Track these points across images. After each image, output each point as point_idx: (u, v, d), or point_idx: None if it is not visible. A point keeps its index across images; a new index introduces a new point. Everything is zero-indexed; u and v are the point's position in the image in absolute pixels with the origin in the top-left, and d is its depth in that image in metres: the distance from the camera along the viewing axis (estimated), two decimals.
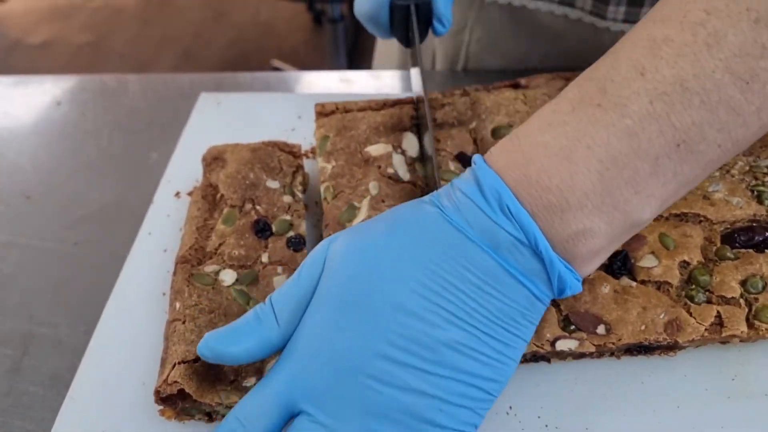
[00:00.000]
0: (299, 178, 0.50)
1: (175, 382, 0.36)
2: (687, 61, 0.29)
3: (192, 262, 0.43)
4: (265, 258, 0.43)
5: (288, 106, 0.62)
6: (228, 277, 0.42)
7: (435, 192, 0.34)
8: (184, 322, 0.39)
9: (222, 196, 0.47)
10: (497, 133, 0.49)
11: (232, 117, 0.61)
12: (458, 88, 0.52)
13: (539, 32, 0.67)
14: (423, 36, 0.52)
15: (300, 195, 0.48)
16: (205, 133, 0.59)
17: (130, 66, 2.37)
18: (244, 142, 0.51)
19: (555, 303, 0.40)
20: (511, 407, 0.39)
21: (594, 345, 0.39)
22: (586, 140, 0.30)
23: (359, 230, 0.34)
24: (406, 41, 0.54)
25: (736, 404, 0.39)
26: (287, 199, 0.47)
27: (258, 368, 0.38)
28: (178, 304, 0.40)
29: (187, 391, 0.36)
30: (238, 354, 0.34)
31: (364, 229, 0.34)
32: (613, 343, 0.39)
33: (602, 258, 0.33)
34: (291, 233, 0.45)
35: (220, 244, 0.44)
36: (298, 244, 0.45)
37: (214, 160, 0.50)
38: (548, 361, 0.41)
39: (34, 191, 0.58)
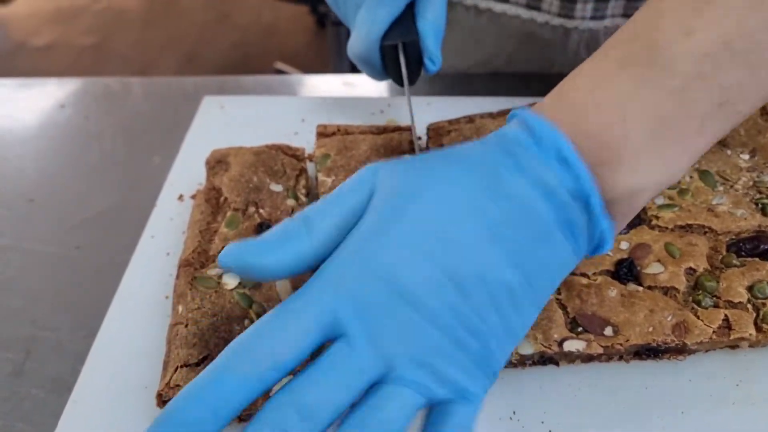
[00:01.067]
0: (303, 182, 0.49)
1: (177, 385, 0.36)
2: (731, 21, 0.29)
3: (195, 265, 0.43)
4: None
5: (291, 110, 0.62)
6: (231, 280, 0.42)
7: (488, 137, 0.33)
8: (186, 326, 0.39)
9: (225, 199, 0.47)
10: None
11: (236, 120, 0.61)
12: (463, 117, 0.53)
13: (506, 34, 0.67)
14: (415, 75, 0.51)
15: (304, 198, 0.48)
16: (208, 136, 0.59)
17: (133, 68, 2.38)
18: (247, 146, 0.51)
19: (562, 305, 0.40)
20: (514, 412, 0.39)
21: (602, 346, 0.39)
22: (637, 100, 0.30)
23: (415, 162, 0.32)
24: (401, 81, 0.52)
25: (741, 410, 0.38)
26: (291, 202, 0.47)
27: None
28: (180, 308, 0.40)
29: None
30: (270, 265, 0.30)
31: (419, 160, 0.32)
32: (621, 344, 0.39)
33: (631, 217, 0.33)
34: None
35: (223, 248, 0.44)
36: None
37: (217, 163, 0.50)
38: (557, 363, 0.41)
39: (37, 194, 0.58)
